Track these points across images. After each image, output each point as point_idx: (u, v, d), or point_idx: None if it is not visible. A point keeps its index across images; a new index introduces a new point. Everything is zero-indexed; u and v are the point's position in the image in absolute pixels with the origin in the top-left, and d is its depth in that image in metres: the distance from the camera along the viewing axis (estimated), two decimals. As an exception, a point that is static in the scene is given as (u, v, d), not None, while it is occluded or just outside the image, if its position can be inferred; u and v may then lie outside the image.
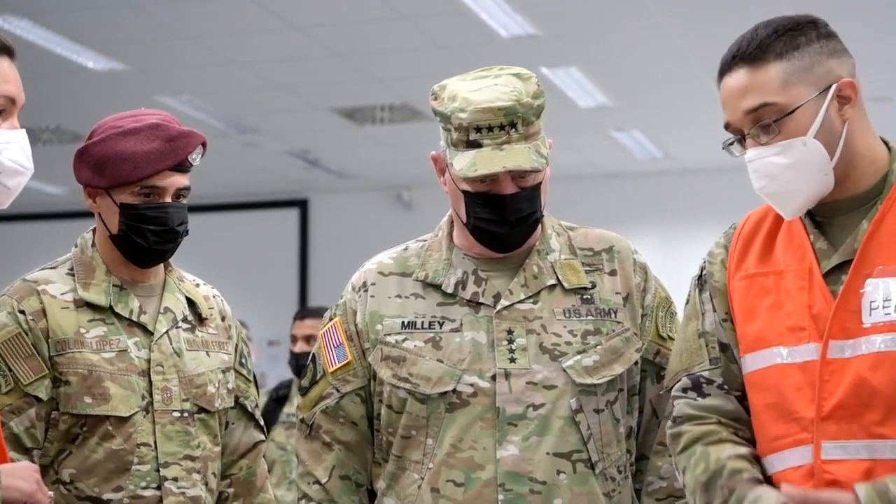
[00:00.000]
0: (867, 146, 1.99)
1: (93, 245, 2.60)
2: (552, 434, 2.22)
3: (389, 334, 2.30)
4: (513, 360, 2.24)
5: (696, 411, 2.06)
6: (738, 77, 1.95)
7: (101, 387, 2.45)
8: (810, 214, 2.02)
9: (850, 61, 1.98)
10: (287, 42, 7.42)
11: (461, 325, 2.27)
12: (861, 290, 1.91)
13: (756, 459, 2.00)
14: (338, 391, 2.34)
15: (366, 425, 2.36)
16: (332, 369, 2.35)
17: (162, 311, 2.58)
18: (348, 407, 2.35)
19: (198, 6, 6.84)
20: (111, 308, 2.53)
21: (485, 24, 7.09)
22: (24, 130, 2.12)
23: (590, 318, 2.29)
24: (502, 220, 2.24)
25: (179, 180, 2.54)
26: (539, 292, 2.29)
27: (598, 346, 2.27)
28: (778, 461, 1.97)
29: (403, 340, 2.28)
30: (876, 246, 1.93)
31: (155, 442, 2.48)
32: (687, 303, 2.18)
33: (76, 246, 2.62)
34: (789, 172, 1.94)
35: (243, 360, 2.72)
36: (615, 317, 2.30)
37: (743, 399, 2.05)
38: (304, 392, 2.41)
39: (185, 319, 2.61)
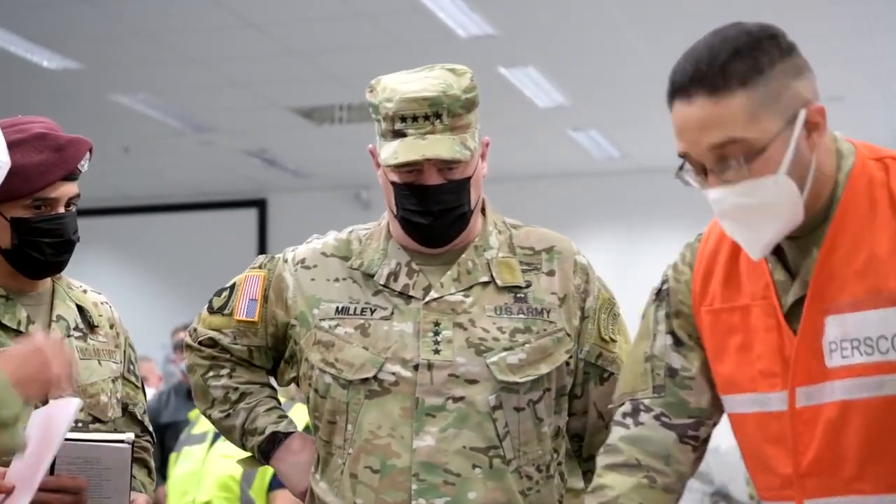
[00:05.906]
0: (824, 163, 1.79)
1: None
2: (469, 428, 2.22)
3: (324, 319, 2.31)
4: (437, 352, 2.24)
5: (623, 444, 1.96)
6: (699, 107, 1.72)
7: None
8: None
9: (812, 78, 1.77)
10: (245, 40, 7.39)
11: (392, 314, 2.28)
12: (821, 329, 1.75)
13: None
14: (234, 338, 2.42)
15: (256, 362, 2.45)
16: (237, 318, 2.42)
17: (55, 319, 2.50)
18: (237, 350, 2.43)
19: (154, 3, 6.80)
20: None
21: (443, 24, 7.09)
22: None
23: (521, 316, 2.29)
24: (426, 211, 2.26)
25: (71, 189, 2.46)
26: (471, 287, 2.29)
27: (527, 345, 2.26)
28: None
29: (336, 326, 2.29)
30: (829, 276, 1.76)
31: None
32: (643, 317, 2.06)
33: None
34: (758, 214, 1.74)
35: (131, 367, 2.65)
36: (547, 316, 2.29)
37: (700, 424, 1.94)
38: (210, 311, 2.46)
39: (76, 328, 2.52)
